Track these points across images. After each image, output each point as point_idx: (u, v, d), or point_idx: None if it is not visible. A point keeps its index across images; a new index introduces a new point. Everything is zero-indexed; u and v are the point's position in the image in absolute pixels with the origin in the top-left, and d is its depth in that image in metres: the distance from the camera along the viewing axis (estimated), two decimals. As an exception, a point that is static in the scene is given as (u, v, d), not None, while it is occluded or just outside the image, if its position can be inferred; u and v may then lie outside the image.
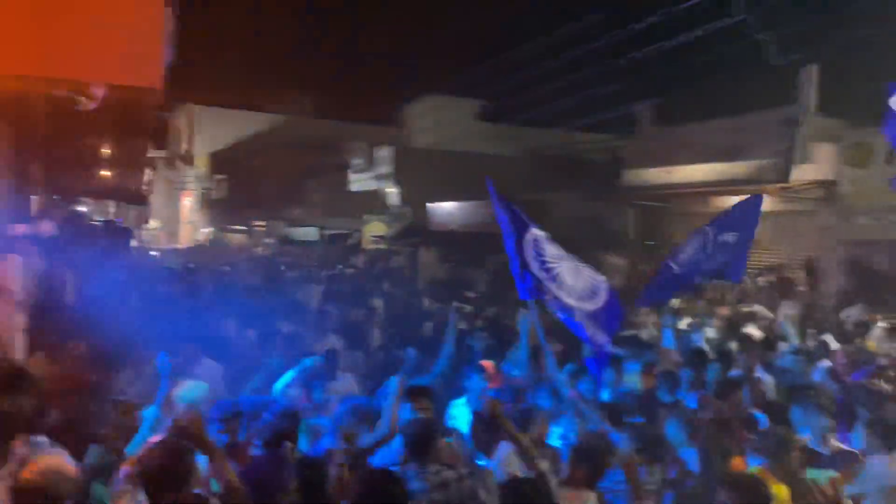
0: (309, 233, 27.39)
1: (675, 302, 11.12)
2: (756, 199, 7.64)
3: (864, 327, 9.07)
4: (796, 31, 9.06)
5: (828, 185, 13.58)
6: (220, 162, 36.63)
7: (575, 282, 5.12)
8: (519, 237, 5.08)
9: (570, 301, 4.99)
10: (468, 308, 8.53)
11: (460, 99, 24.47)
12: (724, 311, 10.34)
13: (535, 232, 5.19)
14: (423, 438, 3.80)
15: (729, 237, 7.11)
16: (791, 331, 8.27)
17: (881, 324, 9.10)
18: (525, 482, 3.38)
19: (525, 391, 5.20)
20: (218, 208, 38.28)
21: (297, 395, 5.12)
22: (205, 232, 38.80)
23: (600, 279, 5.35)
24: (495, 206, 5.15)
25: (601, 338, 5.06)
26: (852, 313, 10.73)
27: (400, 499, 3.14)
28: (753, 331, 9.11)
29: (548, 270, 5.01)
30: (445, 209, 21.08)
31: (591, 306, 5.10)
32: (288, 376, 5.21)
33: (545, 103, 13.91)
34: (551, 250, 5.19)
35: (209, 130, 38.14)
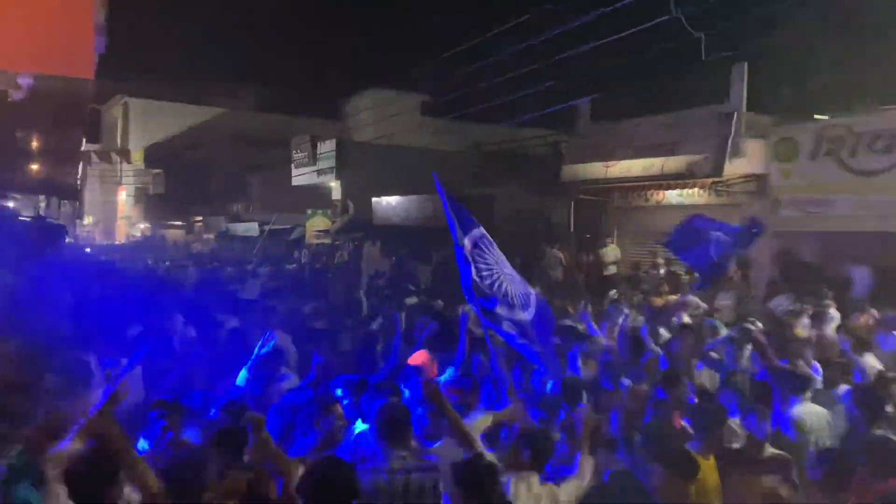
0: (250, 228, 26.90)
1: (613, 292, 11.41)
2: (759, 224, 8.32)
3: (792, 315, 9.48)
4: (727, 30, 9.40)
5: (757, 179, 14.13)
6: (158, 156, 35.61)
7: (513, 290, 4.93)
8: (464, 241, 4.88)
9: (503, 311, 4.72)
10: (413, 301, 8.55)
11: (404, 93, 24.44)
12: (659, 301, 10.64)
13: (478, 233, 4.98)
14: (396, 422, 3.83)
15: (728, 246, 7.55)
16: (719, 323, 8.61)
17: (810, 312, 9.52)
18: (480, 462, 3.46)
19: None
20: (155, 203, 37.24)
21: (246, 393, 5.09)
22: (142, 228, 37.72)
23: (530, 288, 5.19)
24: (445, 208, 4.97)
25: (536, 347, 4.83)
26: (781, 302, 11.21)
27: (351, 483, 3.13)
28: (687, 320, 9.44)
29: (482, 278, 4.75)
30: (389, 204, 21.03)
31: (525, 316, 4.92)
32: (243, 374, 5.18)
33: (488, 99, 14.03)
34: (492, 256, 4.98)
35: (146, 123, 37.04)
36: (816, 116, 13.45)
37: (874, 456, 3.85)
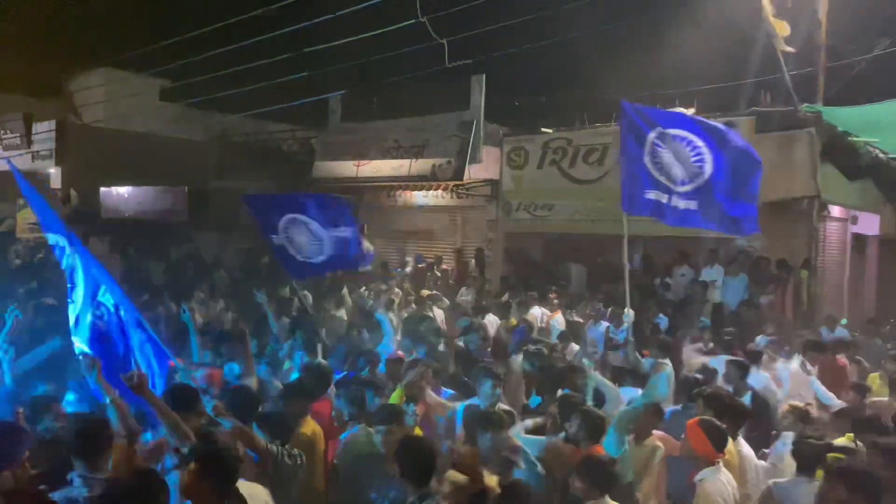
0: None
1: (362, 289, 11.58)
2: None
3: (509, 307, 10.57)
4: (468, 40, 9.92)
5: (492, 184, 15.27)
6: None
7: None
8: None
9: None
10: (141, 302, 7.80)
11: (138, 74, 22.27)
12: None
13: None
14: (92, 436, 3.50)
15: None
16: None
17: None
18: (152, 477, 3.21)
19: None
20: None
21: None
22: None
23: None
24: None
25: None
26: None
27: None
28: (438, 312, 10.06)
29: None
30: (121, 195, 19.13)
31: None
32: None
33: (233, 86, 13.27)
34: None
35: None
36: (543, 129, 14.91)
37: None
